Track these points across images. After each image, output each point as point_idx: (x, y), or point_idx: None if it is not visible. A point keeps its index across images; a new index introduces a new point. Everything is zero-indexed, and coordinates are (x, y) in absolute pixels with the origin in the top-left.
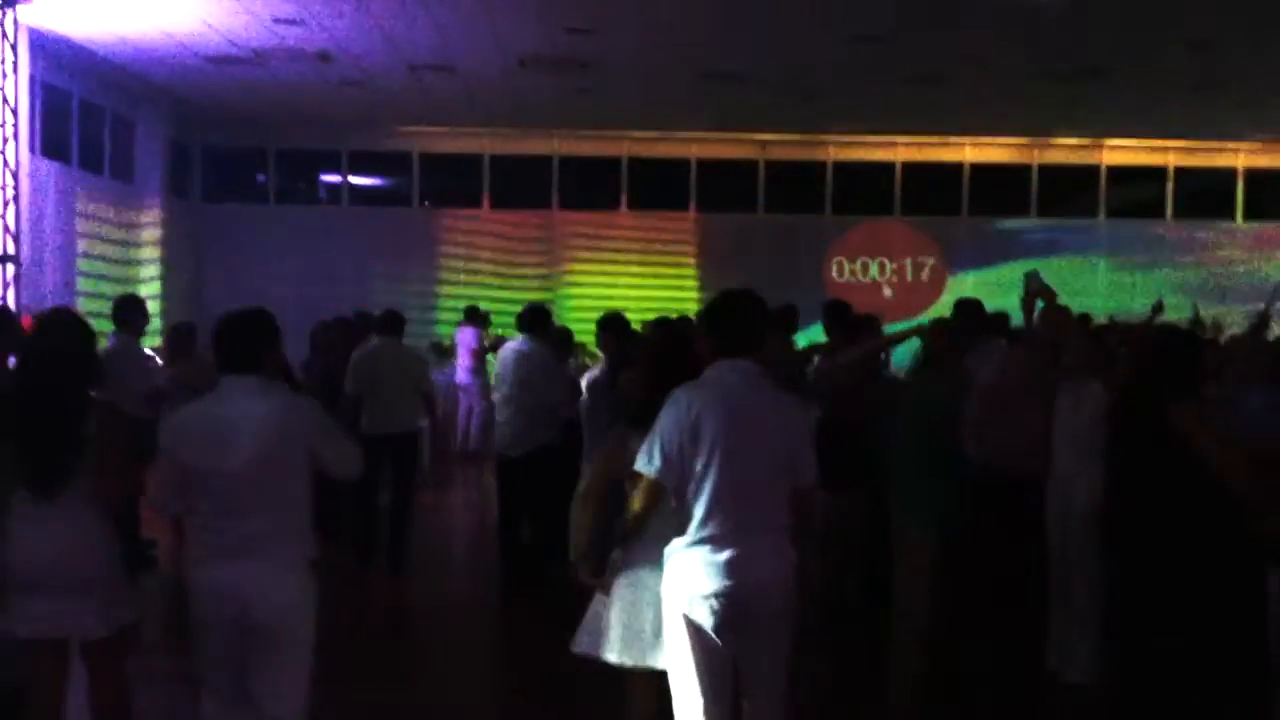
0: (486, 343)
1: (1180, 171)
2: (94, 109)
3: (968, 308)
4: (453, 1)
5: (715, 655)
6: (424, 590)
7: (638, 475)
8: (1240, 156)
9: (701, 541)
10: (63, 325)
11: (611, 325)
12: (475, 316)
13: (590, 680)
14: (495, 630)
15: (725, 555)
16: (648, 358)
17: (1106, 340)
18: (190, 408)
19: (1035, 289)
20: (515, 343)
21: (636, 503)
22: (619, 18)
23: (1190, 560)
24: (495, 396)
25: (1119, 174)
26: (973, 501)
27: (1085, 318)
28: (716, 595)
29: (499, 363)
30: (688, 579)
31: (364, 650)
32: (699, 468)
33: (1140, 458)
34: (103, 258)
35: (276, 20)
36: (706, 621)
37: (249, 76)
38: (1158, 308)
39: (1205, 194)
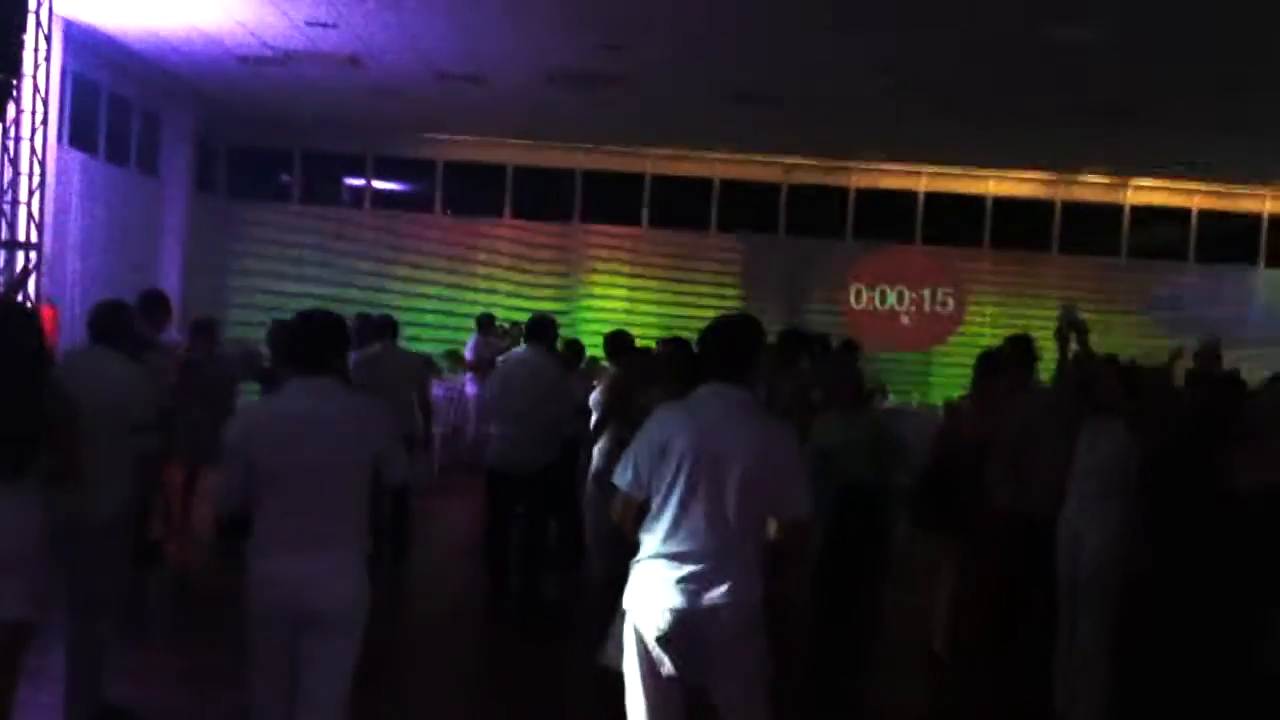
0: (485, 352)
1: (1204, 214)
2: (122, 102)
3: (1022, 344)
4: (486, 12)
5: (658, 671)
6: (414, 599)
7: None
8: (1266, 201)
9: (658, 557)
10: (15, 317)
11: (612, 343)
12: (484, 325)
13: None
14: (480, 646)
15: (677, 574)
16: (673, 372)
17: (1135, 380)
18: (261, 405)
19: (1070, 322)
20: (518, 353)
21: (615, 514)
22: (650, 35)
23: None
24: (490, 407)
25: (1143, 214)
26: (998, 544)
27: (1112, 358)
28: (662, 611)
29: (499, 373)
30: (641, 592)
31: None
32: (665, 485)
33: (1189, 503)
34: (125, 250)
35: (310, 23)
36: (650, 635)
37: (278, 77)
38: (1177, 353)
39: (1229, 238)
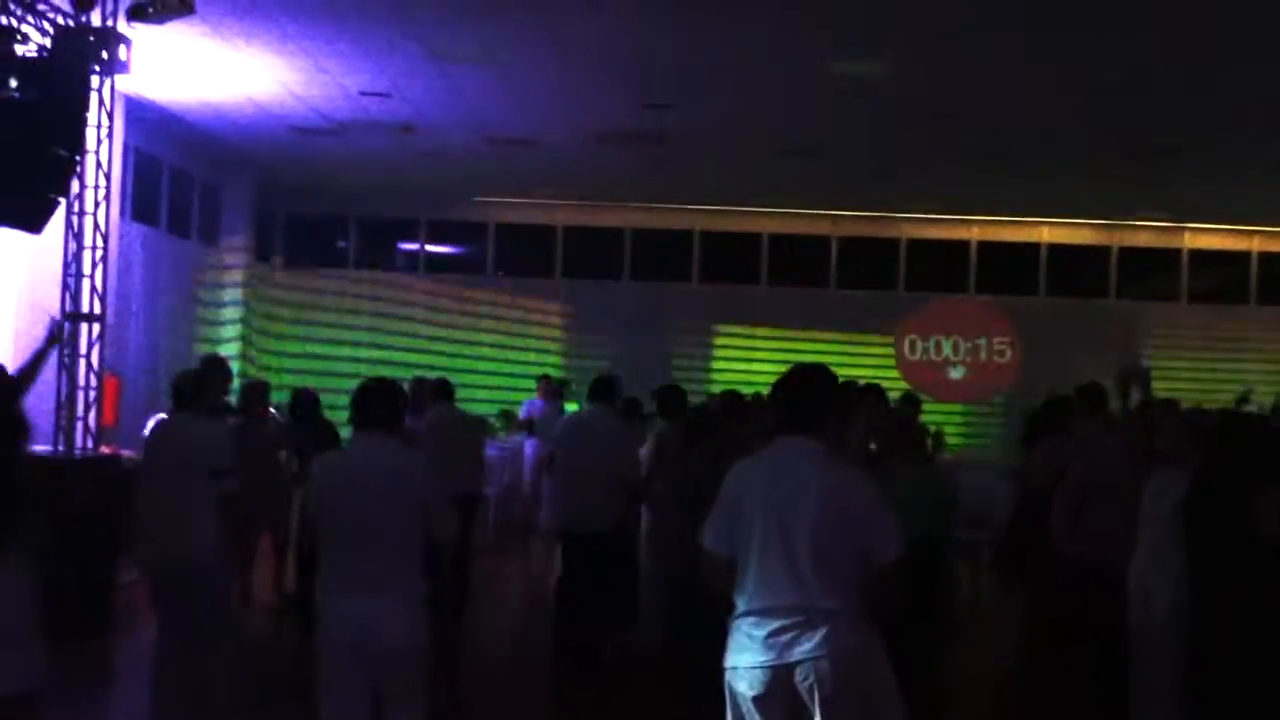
0: (549, 411)
1: (1264, 256)
2: (183, 175)
3: (1093, 393)
4: (535, 77)
5: None
6: (474, 657)
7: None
8: None
9: (748, 614)
10: None
11: (664, 397)
12: (545, 386)
13: None
14: (541, 707)
15: (767, 629)
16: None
17: (1200, 427)
18: (330, 456)
19: (1131, 373)
20: (584, 412)
21: (704, 573)
22: (697, 93)
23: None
24: (555, 467)
25: (1201, 258)
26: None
27: (1172, 403)
28: (754, 669)
29: (565, 432)
30: (732, 651)
31: None
32: (744, 541)
33: (1223, 544)
34: (187, 319)
35: (364, 93)
36: (745, 694)
37: (333, 146)
38: (1244, 396)
39: None
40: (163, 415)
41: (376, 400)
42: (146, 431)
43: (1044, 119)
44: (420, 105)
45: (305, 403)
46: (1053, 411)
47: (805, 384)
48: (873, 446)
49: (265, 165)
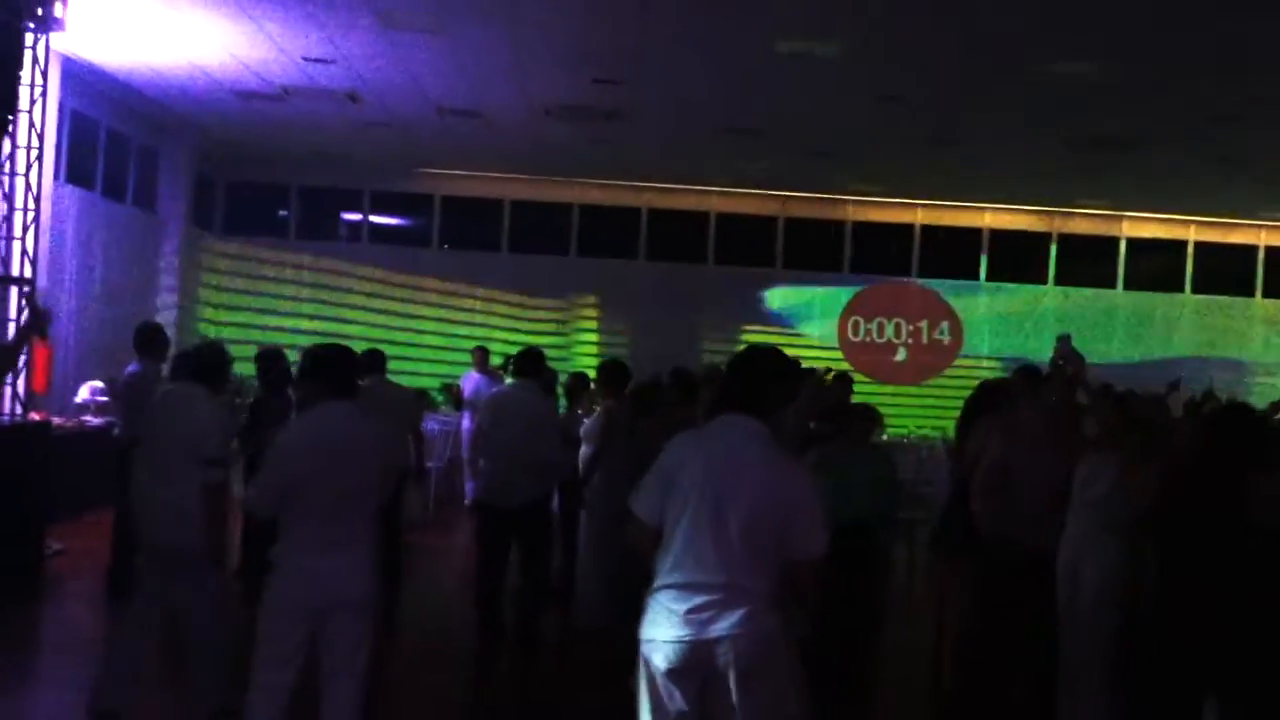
0: (485, 387)
1: (1200, 246)
2: (120, 138)
3: (1030, 376)
4: (483, 48)
5: (666, 705)
6: (405, 634)
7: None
8: (1262, 234)
9: (668, 587)
10: None
11: (608, 373)
12: (480, 358)
13: None
14: (469, 683)
15: (686, 605)
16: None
17: (1132, 409)
18: (297, 426)
19: (1064, 354)
20: (509, 387)
21: (630, 540)
22: (646, 70)
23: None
24: (481, 442)
25: (1139, 246)
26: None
27: (1107, 388)
28: (671, 643)
29: (489, 407)
30: (650, 623)
31: None
32: (674, 515)
33: (1212, 530)
34: (122, 285)
35: (307, 59)
36: (659, 667)
37: (276, 112)
38: (1175, 384)
39: (1225, 271)
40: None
41: (344, 368)
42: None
43: (988, 107)
44: (365, 73)
45: (283, 367)
46: (989, 393)
47: (757, 366)
48: (812, 426)
49: (206, 130)
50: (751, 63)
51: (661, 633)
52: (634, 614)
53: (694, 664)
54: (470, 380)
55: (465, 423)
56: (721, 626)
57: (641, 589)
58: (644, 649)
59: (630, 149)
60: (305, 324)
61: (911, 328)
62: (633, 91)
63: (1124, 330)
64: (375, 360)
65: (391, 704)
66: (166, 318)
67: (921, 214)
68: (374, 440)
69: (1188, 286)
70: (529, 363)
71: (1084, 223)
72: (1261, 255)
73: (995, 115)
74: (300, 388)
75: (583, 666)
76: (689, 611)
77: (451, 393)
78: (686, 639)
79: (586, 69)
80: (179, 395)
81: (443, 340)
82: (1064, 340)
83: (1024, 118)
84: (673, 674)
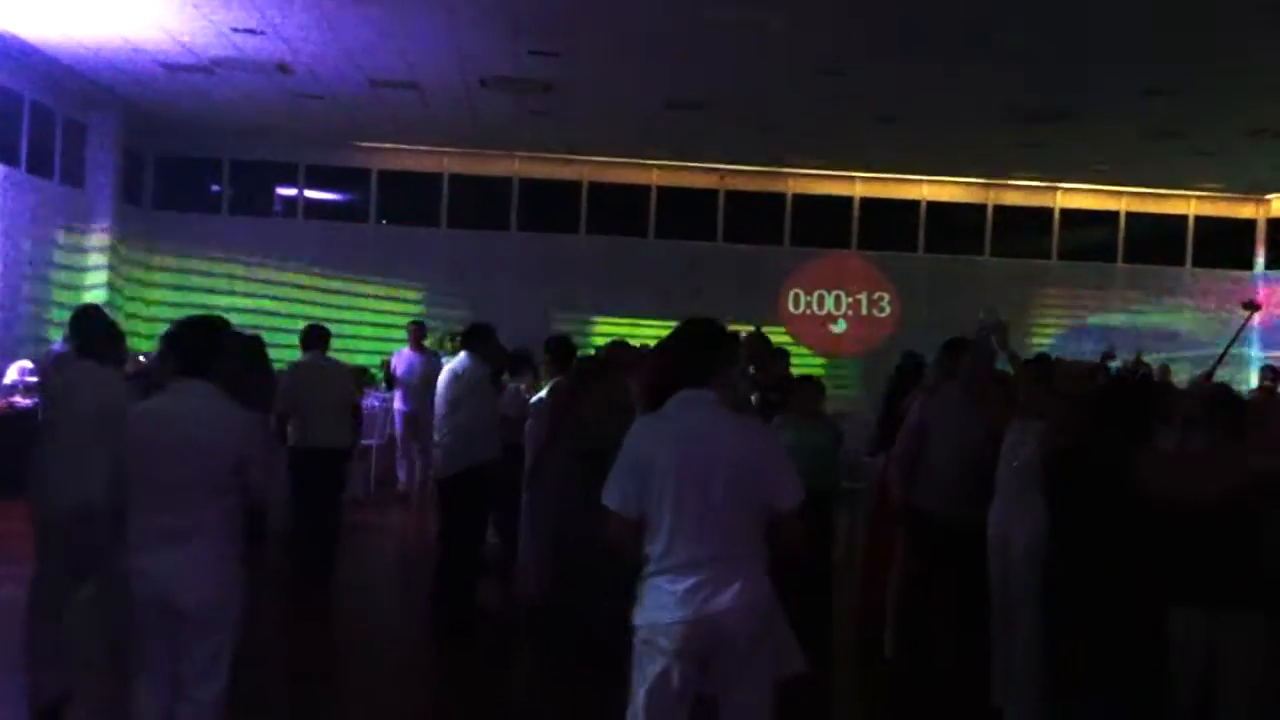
0: (419, 366)
1: (1132, 217)
2: (45, 111)
3: (956, 347)
4: (415, 17)
5: (669, 684)
6: (343, 612)
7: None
8: (1192, 204)
9: (662, 572)
10: None
11: (554, 348)
12: (415, 334)
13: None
14: (418, 654)
15: (685, 584)
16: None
17: (1056, 378)
18: (141, 407)
19: (989, 324)
20: (455, 362)
21: (611, 536)
22: (583, 41)
23: (1135, 605)
24: (436, 416)
25: (1073, 217)
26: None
27: (1043, 358)
28: (672, 625)
29: (439, 382)
30: (649, 609)
31: (289, 672)
32: (655, 500)
33: (1091, 501)
34: (50, 263)
35: (235, 29)
36: (665, 651)
37: (206, 85)
38: (1109, 354)
39: (1156, 240)
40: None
41: (193, 344)
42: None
43: (927, 79)
44: (296, 44)
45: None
46: (917, 365)
47: (697, 337)
48: (753, 399)
49: (134, 103)
50: (689, 35)
51: (663, 615)
52: (573, 587)
53: (698, 642)
54: (402, 358)
55: (397, 403)
56: (721, 601)
57: (580, 562)
58: (644, 633)
59: (569, 122)
60: (241, 301)
61: (851, 299)
62: (569, 63)
63: (1057, 300)
64: (311, 335)
65: (328, 686)
66: (96, 296)
67: (860, 186)
68: (226, 425)
69: (1120, 256)
70: (474, 336)
71: (1019, 194)
72: (1191, 225)
73: (933, 88)
74: (162, 367)
75: (520, 639)
76: (687, 591)
77: (385, 370)
78: (689, 619)
79: (522, 40)
80: (80, 372)
81: (382, 317)
82: (989, 310)
83: (960, 90)
84: (679, 654)
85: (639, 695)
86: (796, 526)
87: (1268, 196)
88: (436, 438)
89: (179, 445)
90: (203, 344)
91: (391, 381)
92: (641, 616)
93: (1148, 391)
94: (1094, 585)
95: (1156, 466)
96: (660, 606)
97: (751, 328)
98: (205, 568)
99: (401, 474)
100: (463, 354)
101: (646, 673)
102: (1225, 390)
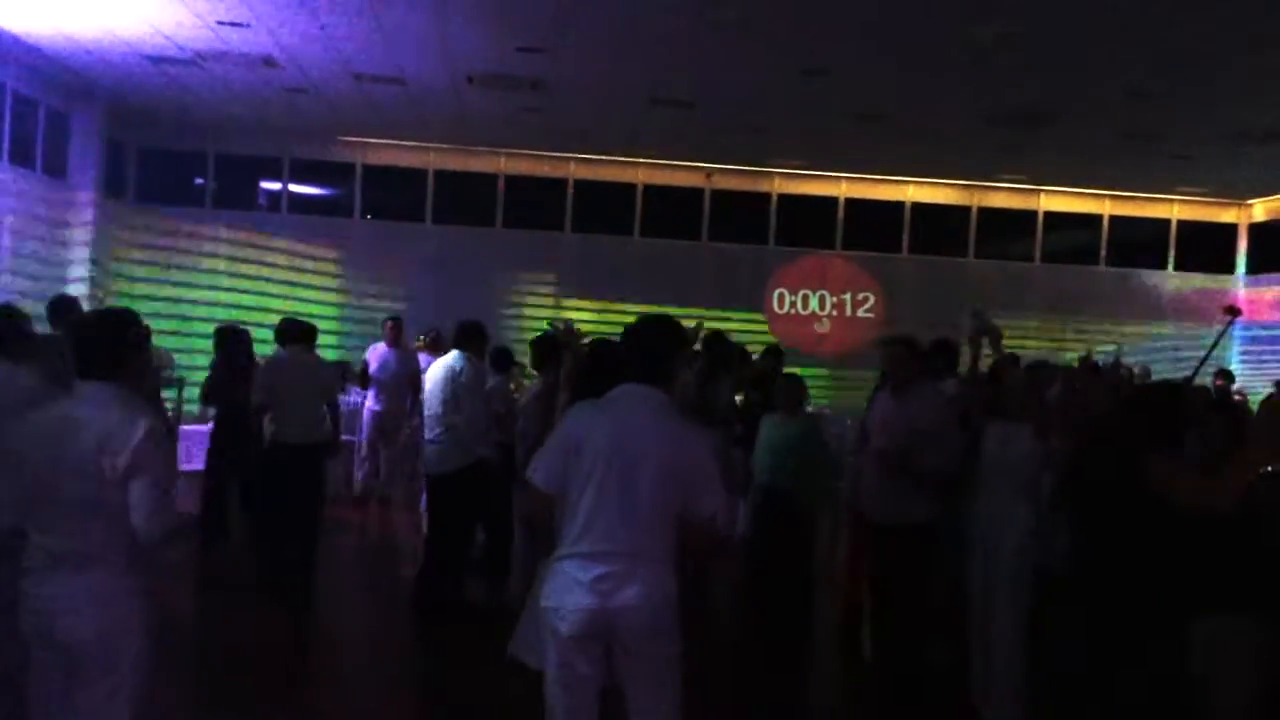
0: (394, 364)
1: (1115, 220)
2: (28, 102)
3: (945, 349)
4: (403, 13)
5: (571, 670)
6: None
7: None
8: (1175, 208)
9: (571, 556)
10: None
11: (541, 345)
12: (391, 331)
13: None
14: (406, 651)
15: (591, 573)
16: (571, 376)
17: (1040, 382)
18: (39, 412)
19: (979, 326)
20: (448, 359)
21: (527, 509)
22: (571, 38)
23: (1160, 611)
24: (426, 414)
25: (1056, 220)
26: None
27: (1015, 359)
28: (575, 611)
29: (428, 379)
30: (553, 591)
31: (267, 674)
32: (578, 484)
33: (1115, 507)
34: (32, 255)
35: (221, 23)
36: (564, 635)
37: (191, 78)
38: (1087, 359)
39: (1139, 243)
40: None
41: (92, 340)
42: None
43: (912, 81)
44: (281, 37)
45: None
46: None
47: (651, 335)
48: (739, 400)
49: (118, 95)
50: (676, 34)
51: (568, 601)
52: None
53: (598, 631)
54: (376, 353)
55: (370, 401)
56: (626, 595)
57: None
58: (549, 616)
59: (555, 119)
60: (223, 296)
61: (835, 300)
62: (556, 61)
63: (1041, 302)
64: (292, 330)
65: (310, 684)
66: (78, 289)
67: (846, 187)
68: (123, 435)
69: (1102, 260)
70: (465, 334)
71: (1003, 196)
72: (1174, 229)
73: (918, 90)
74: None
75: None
76: (595, 580)
77: (361, 366)
78: (592, 608)
79: (509, 36)
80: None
81: (363, 313)
82: (977, 313)
83: (945, 91)
84: (577, 641)
85: (550, 681)
86: (710, 535)
87: (1249, 201)
88: (429, 435)
89: (68, 458)
90: (107, 342)
91: (365, 379)
92: (548, 598)
93: (1177, 398)
94: (1119, 593)
95: (1176, 475)
96: (565, 590)
97: (722, 328)
98: (96, 599)
99: (360, 475)
100: (456, 352)
101: (551, 661)
102: (1224, 393)
